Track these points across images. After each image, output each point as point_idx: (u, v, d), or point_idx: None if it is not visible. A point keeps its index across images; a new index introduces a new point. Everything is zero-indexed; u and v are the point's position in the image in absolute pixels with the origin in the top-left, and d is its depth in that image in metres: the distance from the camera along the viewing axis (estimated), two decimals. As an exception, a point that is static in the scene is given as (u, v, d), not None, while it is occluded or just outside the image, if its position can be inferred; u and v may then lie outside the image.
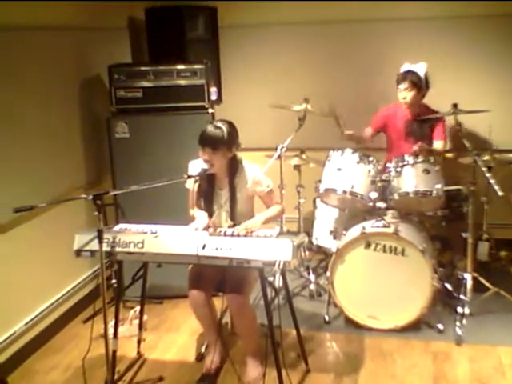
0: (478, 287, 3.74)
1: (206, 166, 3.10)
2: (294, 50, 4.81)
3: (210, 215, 3.17)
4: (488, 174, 3.49)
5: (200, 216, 3.10)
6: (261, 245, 2.77)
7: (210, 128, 3.06)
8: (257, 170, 3.23)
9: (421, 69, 4.05)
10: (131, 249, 2.89)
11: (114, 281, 3.88)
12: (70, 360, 3.44)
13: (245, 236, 2.89)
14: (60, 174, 3.80)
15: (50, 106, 3.72)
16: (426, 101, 4.19)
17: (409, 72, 4.05)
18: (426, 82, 4.08)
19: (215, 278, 3.18)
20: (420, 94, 4.08)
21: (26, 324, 3.49)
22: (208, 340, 3.36)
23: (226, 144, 3.06)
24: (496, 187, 3.39)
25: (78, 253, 2.97)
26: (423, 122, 4.03)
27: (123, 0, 4.42)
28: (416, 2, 4.45)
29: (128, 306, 3.92)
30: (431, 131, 4.16)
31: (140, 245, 2.88)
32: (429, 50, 4.50)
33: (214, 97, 4.12)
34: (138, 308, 3.59)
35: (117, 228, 3.08)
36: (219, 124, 3.08)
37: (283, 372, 2.94)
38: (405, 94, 4.08)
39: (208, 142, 3.04)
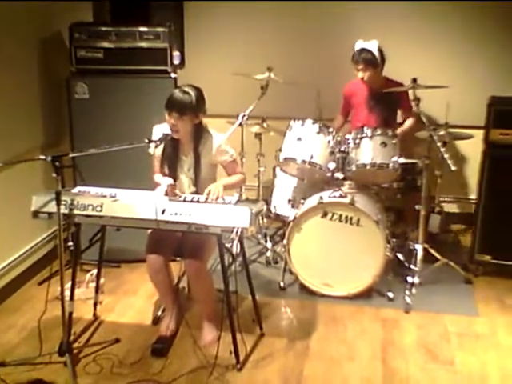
0: (428, 258, 3.87)
1: (168, 131, 3.10)
2: (260, 18, 4.77)
3: (175, 181, 3.17)
4: (443, 149, 3.58)
5: (165, 182, 3.09)
6: (220, 211, 2.81)
7: (177, 93, 3.05)
8: (222, 139, 3.24)
9: (373, 46, 4.10)
10: (89, 212, 2.88)
11: (70, 243, 3.85)
12: (26, 321, 3.43)
13: (205, 202, 2.92)
14: (17, 134, 3.72)
15: (9, 63, 3.61)
16: (387, 73, 4.25)
17: (362, 51, 4.10)
18: (382, 57, 4.14)
19: (174, 243, 3.20)
20: (377, 70, 4.16)
21: (-19, 285, 3.46)
22: (164, 305, 3.39)
23: (193, 110, 3.06)
24: (450, 162, 3.48)
25: (36, 214, 2.95)
26: (386, 94, 4.10)
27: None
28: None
29: (85, 269, 3.90)
30: (395, 103, 4.27)
31: (98, 208, 2.88)
32: (391, 23, 4.57)
33: (176, 61, 4.07)
34: (94, 271, 3.60)
35: (75, 190, 3.06)
36: (187, 89, 3.06)
37: (238, 336, 3.02)
38: (362, 73, 4.16)
39: (175, 107, 3.03)
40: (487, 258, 3.96)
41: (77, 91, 3.87)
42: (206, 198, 2.95)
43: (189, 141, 3.20)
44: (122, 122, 3.87)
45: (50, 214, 2.91)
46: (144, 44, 3.89)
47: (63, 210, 2.82)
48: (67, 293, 3.08)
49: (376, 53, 4.09)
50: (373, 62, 4.10)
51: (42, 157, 2.74)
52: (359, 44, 4.14)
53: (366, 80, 4.18)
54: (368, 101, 4.30)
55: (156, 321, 3.45)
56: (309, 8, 4.69)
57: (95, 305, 3.49)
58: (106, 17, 4.43)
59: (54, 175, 2.72)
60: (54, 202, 2.77)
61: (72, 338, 3.09)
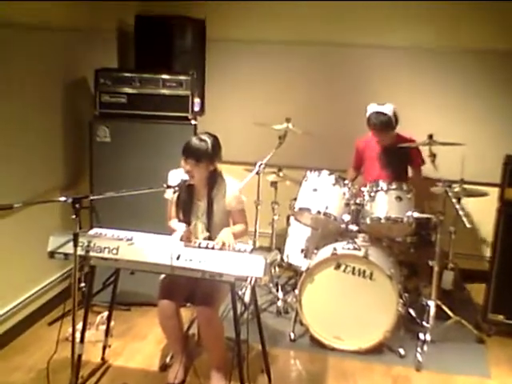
0: (441, 315, 3.84)
1: (185, 177, 3.14)
2: (279, 68, 4.89)
3: (188, 226, 3.19)
4: (458, 206, 3.59)
5: (180, 228, 3.12)
6: (234, 259, 2.81)
7: (194, 140, 3.11)
8: (236, 187, 3.27)
9: (389, 109, 4.13)
10: (105, 254, 2.90)
11: (83, 284, 3.84)
12: (34, 362, 3.41)
13: (220, 249, 2.93)
14: (37, 173, 3.78)
15: (34, 106, 3.70)
16: (403, 129, 4.29)
17: (379, 114, 4.11)
18: (396, 119, 4.17)
19: (186, 289, 3.20)
20: (392, 132, 4.21)
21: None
22: (173, 351, 3.36)
23: (208, 157, 3.11)
24: (465, 219, 3.48)
25: (52, 255, 2.98)
26: (397, 150, 4.14)
27: (116, 0, 4.44)
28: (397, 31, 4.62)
29: (95, 310, 3.87)
30: (406, 158, 4.30)
31: (114, 251, 2.89)
32: (407, 79, 4.67)
33: (197, 108, 4.16)
34: (105, 313, 3.58)
35: (92, 232, 3.09)
36: (204, 137, 3.13)
37: (247, 387, 2.98)
38: (378, 136, 4.21)
39: (191, 154, 3.08)
40: (500, 317, 3.91)
41: (99, 134, 3.95)
42: (222, 247, 2.96)
43: (203, 186, 3.24)
44: (141, 165, 3.93)
45: (66, 254, 2.94)
46: (166, 91, 3.98)
47: (80, 251, 2.84)
48: (77, 334, 3.07)
49: (392, 115, 4.13)
50: (389, 125, 4.14)
51: (63, 198, 2.76)
52: (373, 107, 4.16)
53: (383, 142, 4.23)
54: (380, 157, 4.33)
55: (164, 367, 3.41)
56: (327, 63, 4.81)
57: (104, 348, 3.48)
58: (130, 63, 4.55)
59: (73, 217, 2.74)
60: (70, 243, 2.78)
61: (80, 381, 3.06)
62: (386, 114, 4.11)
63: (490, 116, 4.64)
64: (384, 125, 4.13)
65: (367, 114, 4.17)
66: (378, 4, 4.58)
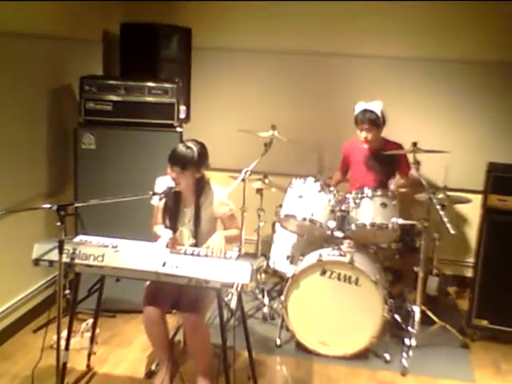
0: (426, 320, 3.86)
1: (172, 184, 3.15)
2: (264, 77, 4.92)
3: (174, 232, 3.20)
4: (442, 212, 3.62)
5: (165, 234, 3.13)
6: (220, 266, 2.82)
7: (180, 147, 3.12)
8: (223, 193, 3.29)
9: (377, 107, 4.18)
10: (91, 261, 2.89)
11: (67, 291, 3.83)
12: (18, 369, 3.38)
13: (206, 255, 2.93)
14: (21, 181, 3.75)
15: (18, 113, 3.69)
16: (388, 134, 4.34)
17: (366, 111, 4.16)
18: (383, 119, 4.22)
19: (172, 296, 3.19)
20: (379, 130, 4.23)
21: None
22: (159, 358, 3.35)
23: (194, 165, 3.12)
24: (449, 225, 3.51)
25: (37, 262, 2.97)
26: (384, 154, 4.18)
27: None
28: (384, 40, 4.67)
29: (80, 317, 3.85)
30: (393, 164, 4.31)
31: (100, 258, 2.89)
32: (393, 88, 4.69)
33: (182, 115, 4.17)
34: (90, 321, 3.57)
35: (77, 239, 3.08)
36: (190, 144, 3.14)
37: (233, 393, 2.98)
38: (365, 133, 4.21)
39: (177, 161, 3.09)
40: (484, 322, 3.95)
41: (83, 141, 3.93)
42: (207, 253, 2.96)
43: (190, 193, 3.25)
44: (126, 172, 3.92)
45: (51, 262, 2.92)
46: (152, 99, 3.98)
47: (65, 258, 2.82)
48: (62, 342, 3.05)
49: (379, 113, 4.17)
50: (377, 122, 4.16)
51: (48, 206, 2.76)
52: (361, 105, 4.22)
53: (370, 139, 4.21)
54: (366, 160, 4.35)
55: (149, 374, 3.40)
56: (312, 71, 4.84)
57: (89, 355, 3.45)
58: (115, 71, 4.56)
59: (58, 224, 2.72)
60: (55, 251, 2.78)
61: (65, 389, 3.05)
62: (373, 111, 4.15)
63: (474, 124, 4.69)
64: (372, 121, 4.15)
65: (355, 112, 4.20)
66: (364, 14, 4.63)
